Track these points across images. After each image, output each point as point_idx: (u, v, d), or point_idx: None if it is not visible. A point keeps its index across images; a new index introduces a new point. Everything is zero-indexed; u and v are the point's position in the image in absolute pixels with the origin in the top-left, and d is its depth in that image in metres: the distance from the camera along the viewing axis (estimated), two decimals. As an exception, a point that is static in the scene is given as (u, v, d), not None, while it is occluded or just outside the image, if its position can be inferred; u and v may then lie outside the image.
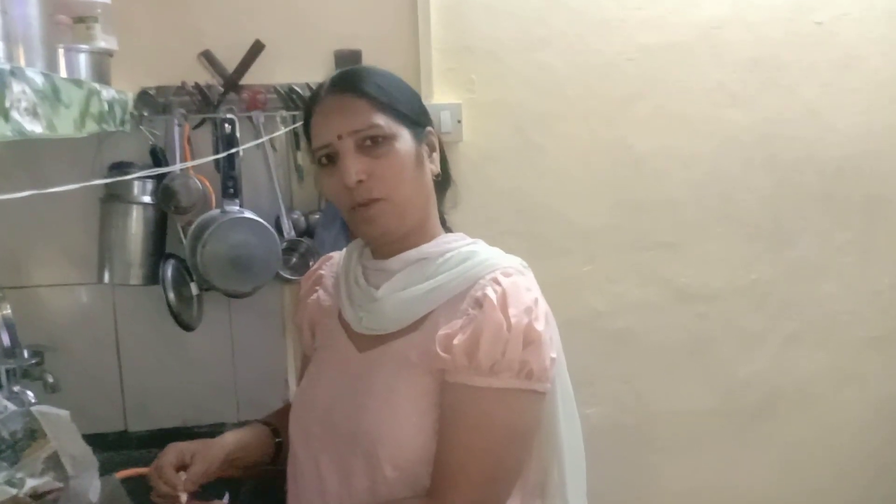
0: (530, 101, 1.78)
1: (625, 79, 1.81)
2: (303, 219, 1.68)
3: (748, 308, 1.93)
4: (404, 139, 1.07)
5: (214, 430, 1.69)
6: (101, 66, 1.50)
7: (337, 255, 1.26)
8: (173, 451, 1.15)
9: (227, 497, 1.22)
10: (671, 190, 1.87)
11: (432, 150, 1.12)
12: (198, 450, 1.15)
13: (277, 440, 1.25)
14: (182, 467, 1.14)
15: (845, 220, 1.93)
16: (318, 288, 1.25)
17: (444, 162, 1.16)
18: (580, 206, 1.85)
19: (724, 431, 1.96)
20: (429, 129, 1.12)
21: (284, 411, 1.26)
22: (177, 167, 1.51)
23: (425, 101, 1.19)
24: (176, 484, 1.10)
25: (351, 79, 1.09)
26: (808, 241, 1.92)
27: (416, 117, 1.10)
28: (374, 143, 1.05)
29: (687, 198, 1.87)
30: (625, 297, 1.89)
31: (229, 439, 1.19)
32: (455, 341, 1.01)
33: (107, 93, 1.40)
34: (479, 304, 1.02)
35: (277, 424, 1.26)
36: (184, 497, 1.10)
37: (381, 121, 1.05)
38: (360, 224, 1.09)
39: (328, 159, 1.08)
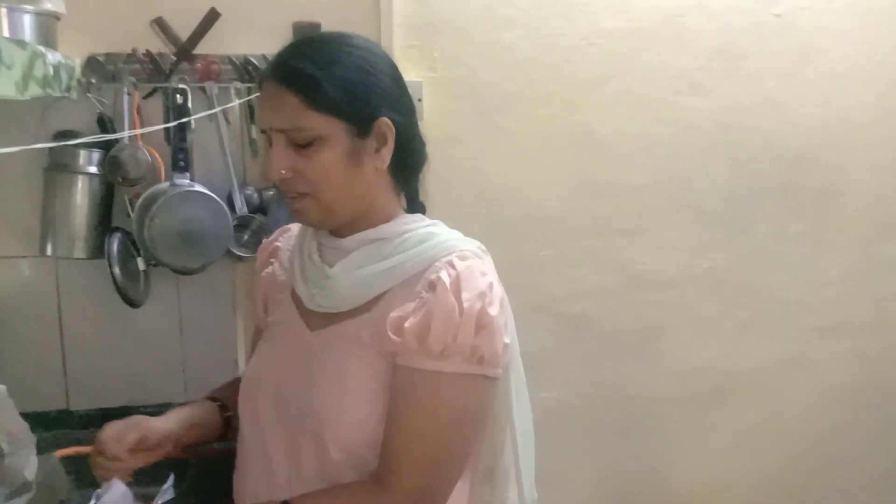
0: (493, 81, 1.76)
1: (588, 63, 1.80)
2: (256, 195, 1.64)
3: (702, 295, 1.95)
4: (336, 139, 1.00)
5: (161, 411, 1.64)
6: (47, 30, 1.44)
7: (294, 227, 1.22)
8: (114, 431, 1.09)
9: (171, 479, 1.19)
10: (631, 176, 1.87)
11: (381, 143, 1.02)
12: (138, 432, 1.10)
13: (227, 415, 1.21)
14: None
15: (799, 211, 1.96)
16: (273, 260, 1.22)
17: (412, 141, 1.08)
18: (541, 190, 1.84)
19: (676, 416, 1.98)
20: (381, 120, 1.01)
21: (235, 384, 1.22)
22: (125, 134, 1.46)
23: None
24: (122, 459, 1.07)
25: (289, 65, 1.01)
26: (763, 231, 1.95)
27: (363, 111, 1.00)
28: (302, 142, 1.00)
29: (646, 184, 1.88)
30: (582, 283, 1.89)
31: (173, 419, 1.15)
32: (406, 324, 0.99)
33: (52, 56, 1.35)
34: (432, 286, 1.00)
35: (226, 399, 1.22)
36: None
37: (310, 121, 0.98)
38: (292, 213, 1.07)
39: (268, 142, 1.04)
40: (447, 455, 1.02)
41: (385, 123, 1.02)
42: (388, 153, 1.03)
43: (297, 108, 0.99)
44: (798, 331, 2.01)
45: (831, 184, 1.96)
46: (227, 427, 1.21)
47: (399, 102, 1.05)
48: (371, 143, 1.02)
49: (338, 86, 0.99)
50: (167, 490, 1.18)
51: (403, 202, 1.13)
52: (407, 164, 1.09)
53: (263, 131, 1.03)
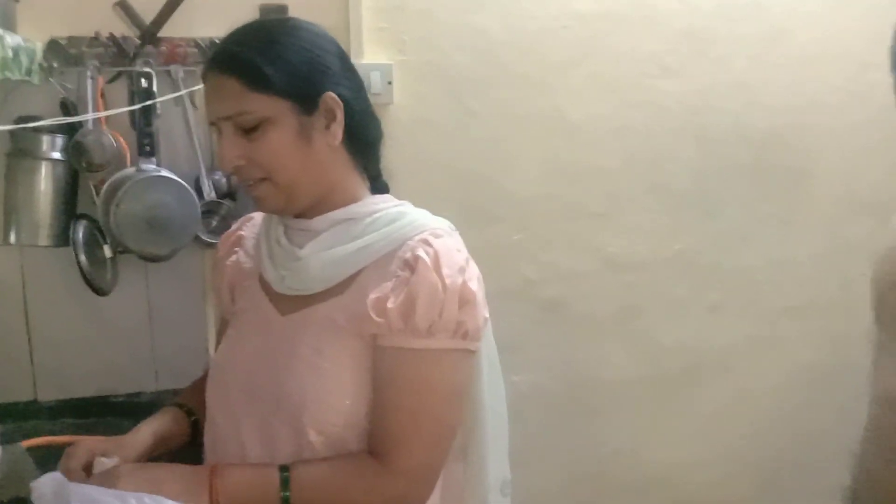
0: (464, 64, 1.75)
1: (559, 46, 1.79)
2: (224, 180, 1.61)
3: (674, 277, 1.96)
4: (282, 119, 0.99)
5: (131, 400, 1.64)
6: (6, 11, 1.41)
7: (258, 216, 1.22)
8: (84, 453, 1.06)
9: None
10: (602, 159, 1.87)
11: (330, 118, 1.02)
12: (112, 453, 1.07)
13: (193, 419, 1.20)
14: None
15: (769, 191, 1.97)
16: (237, 249, 1.21)
17: (364, 116, 1.08)
18: (513, 174, 1.83)
19: (647, 398, 2.00)
20: (326, 95, 1.01)
21: (198, 385, 1.21)
22: (88, 117, 1.43)
23: (355, 61, 1.12)
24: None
25: (224, 53, 1.02)
26: (733, 212, 1.96)
27: (305, 88, 1.01)
28: (249, 127, 0.99)
29: (618, 167, 1.88)
30: (555, 266, 1.90)
31: (146, 438, 1.12)
32: (389, 304, 0.99)
33: (11, 39, 1.32)
34: (408, 265, 1.00)
35: (192, 402, 1.21)
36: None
37: (253, 103, 0.98)
38: (254, 202, 1.07)
39: (219, 134, 1.04)
40: (442, 431, 1.03)
41: (331, 98, 1.02)
42: (338, 129, 1.03)
43: (239, 92, 0.98)
44: (767, 311, 2.03)
45: (800, 165, 1.98)
46: (195, 432, 1.20)
47: (345, 77, 1.05)
48: (319, 119, 1.02)
49: (276, 65, 0.99)
50: None
51: (367, 183, 1.13)
52: (361, 139, 1.08)
53: (212, 124, 1.03)
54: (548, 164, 1.85)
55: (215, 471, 0.99)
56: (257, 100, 0.98)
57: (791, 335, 2.06)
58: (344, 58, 1.07)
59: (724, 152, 1.92)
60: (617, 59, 1.83)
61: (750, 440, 2.09)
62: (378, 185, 1.14)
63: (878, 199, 1.99)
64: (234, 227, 1.26)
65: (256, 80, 0.98)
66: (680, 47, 1.85)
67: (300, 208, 1.06)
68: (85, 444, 1.08)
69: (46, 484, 0.97)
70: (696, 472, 2.07)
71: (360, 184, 1.10)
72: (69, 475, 1.02)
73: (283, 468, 0.99)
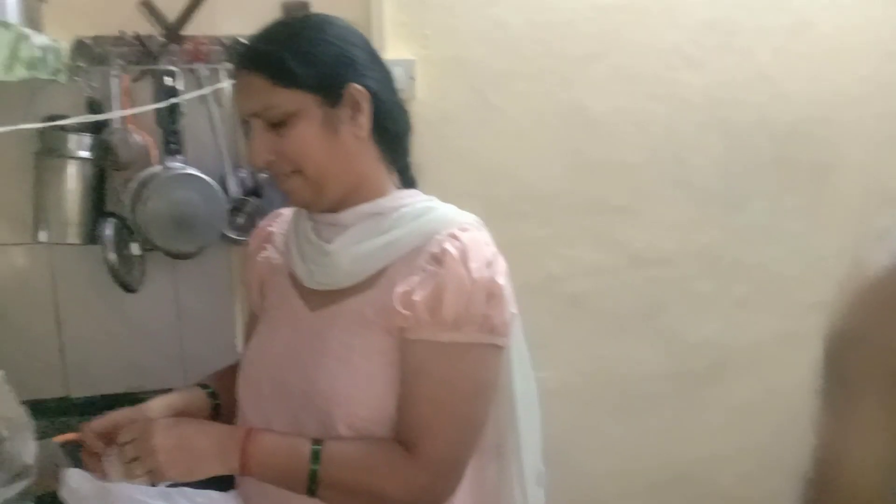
0: (486, 58, 1.75)
1: (581, 38, 1.79)
2: (250, 177, 1.62)
3: (699, 272, 1.95)
4: (308, 112, 1.00)
5: (160, 397, 1.65)
6: (33, 12, 1.42)
7: (287, 211, 1.22)
8: (102, 419, 1.07)
9: None
10: (626, 153, 1.86)
11: (356, 110, 1.02)
12: (127, 418, 1.08)
13: (216, 402, 1.19)
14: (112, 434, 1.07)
15: (794, 185, 1.95)
16: (267, 245, 1.21)
17: (392, 108, 1.08)
18: (536, 169, 1.83)
19: (674, 393, 1.99)
20: (351, 86, 1.01)
21: (226, 372, 1.22)
22: (114, 115, 1.44)
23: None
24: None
25: (250, 51, 1.04)
26: (759, 206, 1.94)
27: (330, 80, 1.01)
28: (277, 121, 1.01)
29: (641, 161, 1.87)
30: (580, 262, 1.89)
31: (157, 404, 1.12)
32: (416, 297, 0.99)
33: (38, 39, 1.33)
34: (437, 259, 1.00)
35: (216, 386, 1.20)
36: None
37: (279, 98, 0.99)
38: (285, 196, 1.08)
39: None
40: (469, 425, 1.03)
41: (355, 89, 1.02)
42: (365, 120, 1.03)
43: (264, 87, 1.00)
44: (793, 306, 2.01)
45: (825, 158, 1.96)
46: (216, 415, 1.19)
47: (372, 70, 1.05)
48: (345, 111, 1.02)
49: (300, 59, 1.00)
50: None
51: (396, 179, 1.13)
52: (389, 131, 1.08)
53: (244, 121, 1.05)
54: (571, 159, 1.84)
55: (249, 435, 1.00)
56: (283, 94, 0.99)
57: (818, 331, 2.00)
58: (371, 50, 1.07)
59: (749, 145, 1.90)
60: (639, 52, 1.82)
61: (777, 436, 2.05)
62: (406, 179, 1.14)
63: (906, 192, 1.97)
64: (264, 222, 1.27)
65: (280, 76, 0.99)
66: (703, 39, 1.84)
67: (330, 201, 1.06)
68: (109, 415, 1.08)
69: (76, 479, 0.98)
70: (724, 468, 2.05)
71: (387, 177, 1.10)
72: (86, 439, 1.04)
73: (316, 441, 0.99)
